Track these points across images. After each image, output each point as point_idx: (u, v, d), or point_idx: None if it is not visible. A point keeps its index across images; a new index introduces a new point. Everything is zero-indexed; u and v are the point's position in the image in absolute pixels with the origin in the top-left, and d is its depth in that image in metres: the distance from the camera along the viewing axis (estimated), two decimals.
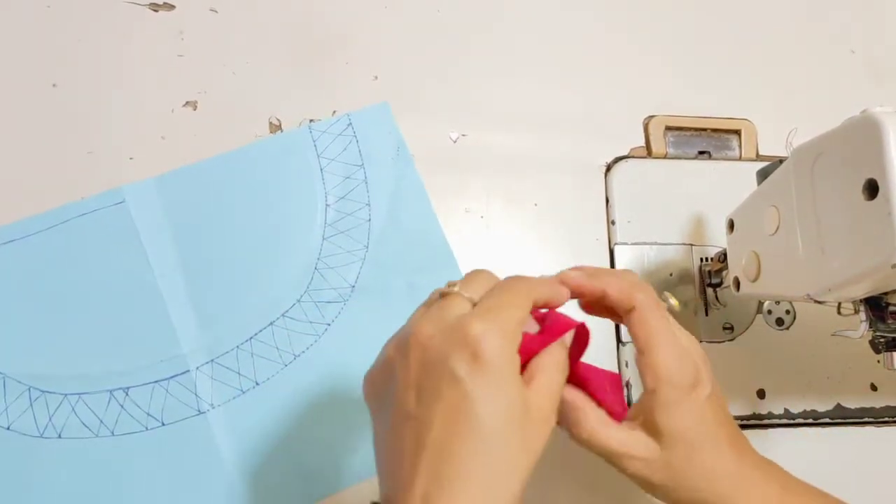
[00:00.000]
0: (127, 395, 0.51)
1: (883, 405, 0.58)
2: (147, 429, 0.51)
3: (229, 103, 0.58)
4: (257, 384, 0.52)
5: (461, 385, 0.32)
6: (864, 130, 0.37)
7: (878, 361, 0.57)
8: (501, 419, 0.32)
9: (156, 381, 0.52)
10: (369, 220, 0.57)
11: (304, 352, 0.53)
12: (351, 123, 0.58)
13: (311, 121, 0.58)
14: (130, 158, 0.56)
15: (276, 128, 0.58)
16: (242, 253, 0.55)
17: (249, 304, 0.54)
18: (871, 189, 0.36)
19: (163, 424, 0.51)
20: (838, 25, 0.69)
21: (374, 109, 0.59)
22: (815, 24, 0.68)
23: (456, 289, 0.36)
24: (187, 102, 0.57)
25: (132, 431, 0.51)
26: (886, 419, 0.58)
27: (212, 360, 0.52)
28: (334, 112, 0.59)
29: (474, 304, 0.35)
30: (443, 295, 0.36)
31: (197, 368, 0.52)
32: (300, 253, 0.55)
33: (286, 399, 0.52)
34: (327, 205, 0.56)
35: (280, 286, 0.54)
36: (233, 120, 0.57)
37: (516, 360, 0.34)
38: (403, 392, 0.33)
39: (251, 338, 0.53)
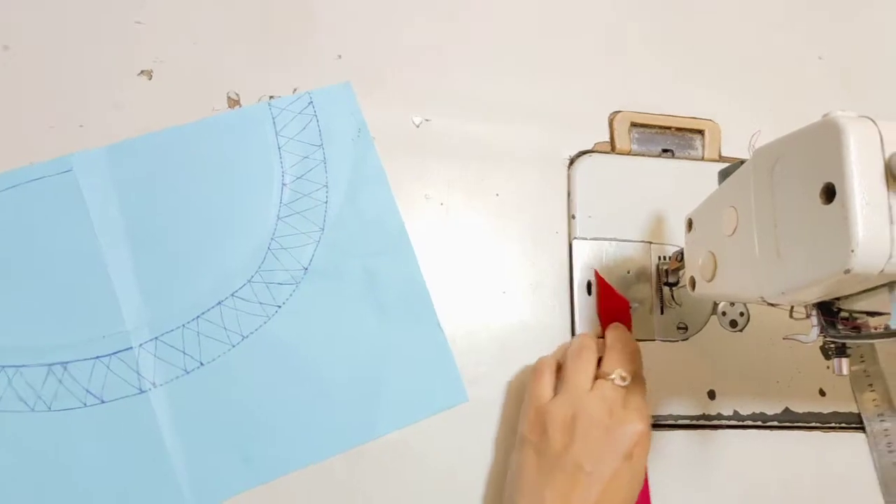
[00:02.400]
0: (66, 369, 0.50)
1: (830, 411, 0.59)
2: (85, 405, 0.50)
3: (187, 75, 0.56)
4: (202, 364, 0.51)
5: (626, 463, 0.47)
6: (825, 134, 0.37)
7: (828, 367, 0.59)
8: (640, 485, 0.49)
9: (97, 357, 0.50)
10: (326, 201, 0.56)
11: (252, 333, 0.52)
12: (312, 102, 0.57)
13: (270, 97, 0.57)
14: (80, 126, 0.54)
15: (234, 102, 0.56)
16: (193, 229, 0.53)
17: (198, 282, 0.53)
18: (829, 193, 0.37)
19: (102, 402, 0.50)
20: (807, 31, 0.69)
21: (336, 89, 0.58)
22: (783, 29, 0.69)
23: (615, 378, 0.50)
24: (143, 71, 0.55)
25: (70, 408, 0.49)
26: (833, 425, 0.59)
27: (156, 338, 0.51)
28: (295, 90, 0.57)
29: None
30: (600, 377, 0.50)
31: (140, 346, 0.51)
32: (253, 232, 0.54)
33: (231, 381, 0.51)
34: (284, 184, 0.55)
35: (231, 265, 0.53)
36: (190, 92, 0.56)
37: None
38: (578, 453, 0.47)
39: (198, 317, 0.52)
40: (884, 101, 0.68)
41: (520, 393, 0.54)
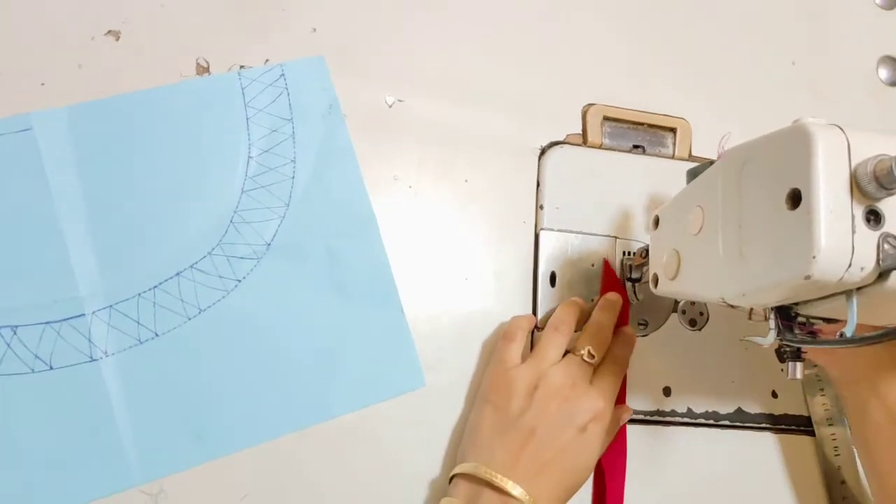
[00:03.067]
0: (15, 333, 0.48)
1: (781, 413, 0.60)
2: (33, 371, 0.48)
3: (155, 38, 0.54)
4: (157, 335, 0.50)
5: (579, 434, 0.49)
6: (794, 140, 0.38)
7: (782, 370, 0.59)
8: (593, 458, 0.51)
9: (47, 322, 0.49)
10: (293, 177, 0.55)
11: (210, 307, 0.51)
12: (283, 74, 0.56)
13: (241, 67, 0.56)
14: (42, 84, 0.52)
15: (203, 69, 0.55)
16: (154, 197, 0.52)
17: (157, 251, 0.51)
18: (795, 199, 0.37)
19: (51, 368, 0.48)
20: (781, 37, 0.70)
21: (309, 63, 0.57)
22: (758, 33, 0.69)
23: (584, 354, 0.52)
24: (109, 31, 0.54)
25: (17, 373, 0.48)
26: (783, 427, 0.60)
27: (110, 306, 0.50)
28: (267, 61, 0.56)
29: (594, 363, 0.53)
30: (571, 351, 0.53)
31: (93, 313, 0.50)
32: (216, 204, 0.53)
33: (185, 354, 0.50)
34: (250, 157, 0.54)
35: (191, 236, 0.52)
36: (157, 56, 0.54)
37: (614, 427, 0.54)
38: (534, 418, 0.49)
39: (155, 287, 0.51)
40: (853, 109, 0.69)
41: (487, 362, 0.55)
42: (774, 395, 0.60)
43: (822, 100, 0.69)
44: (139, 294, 0.51)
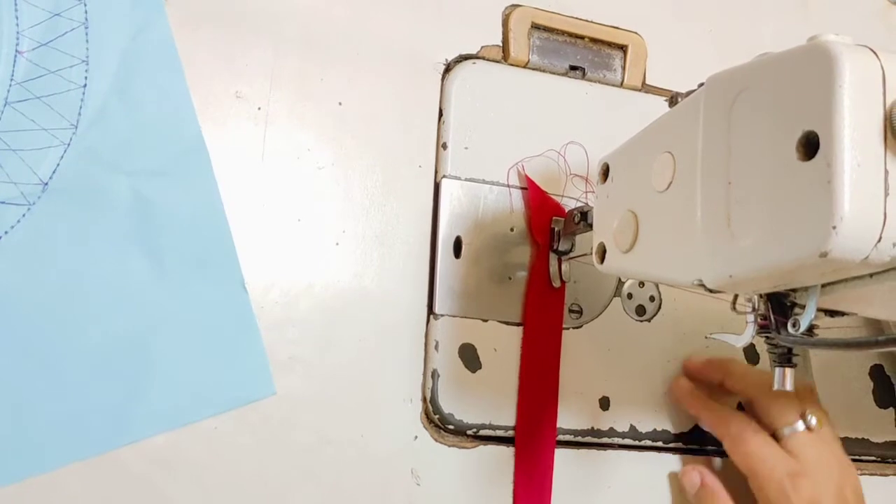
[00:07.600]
0: None
1: None
2: None
3: None
4: None
5: None
6: (811, 64, 0.37)
7: None
8: None
9: None
10: (84, 86, 0.52)
11: None
12: None
13: None
14: None
15: None
16: None
17: None
18: (809, 145, 0.36)
19: None
20: None
21: None
22: None
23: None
24: None
25: None
26: None
27: None
28: None
29: None
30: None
31: None
32: None
33: None
34: (18, 52, 0.51)
35: None
36: None
37: None
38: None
39: None
40: (853, 31, 0.69)
41: None
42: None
43: (810, 17, 0.70)
44: None
